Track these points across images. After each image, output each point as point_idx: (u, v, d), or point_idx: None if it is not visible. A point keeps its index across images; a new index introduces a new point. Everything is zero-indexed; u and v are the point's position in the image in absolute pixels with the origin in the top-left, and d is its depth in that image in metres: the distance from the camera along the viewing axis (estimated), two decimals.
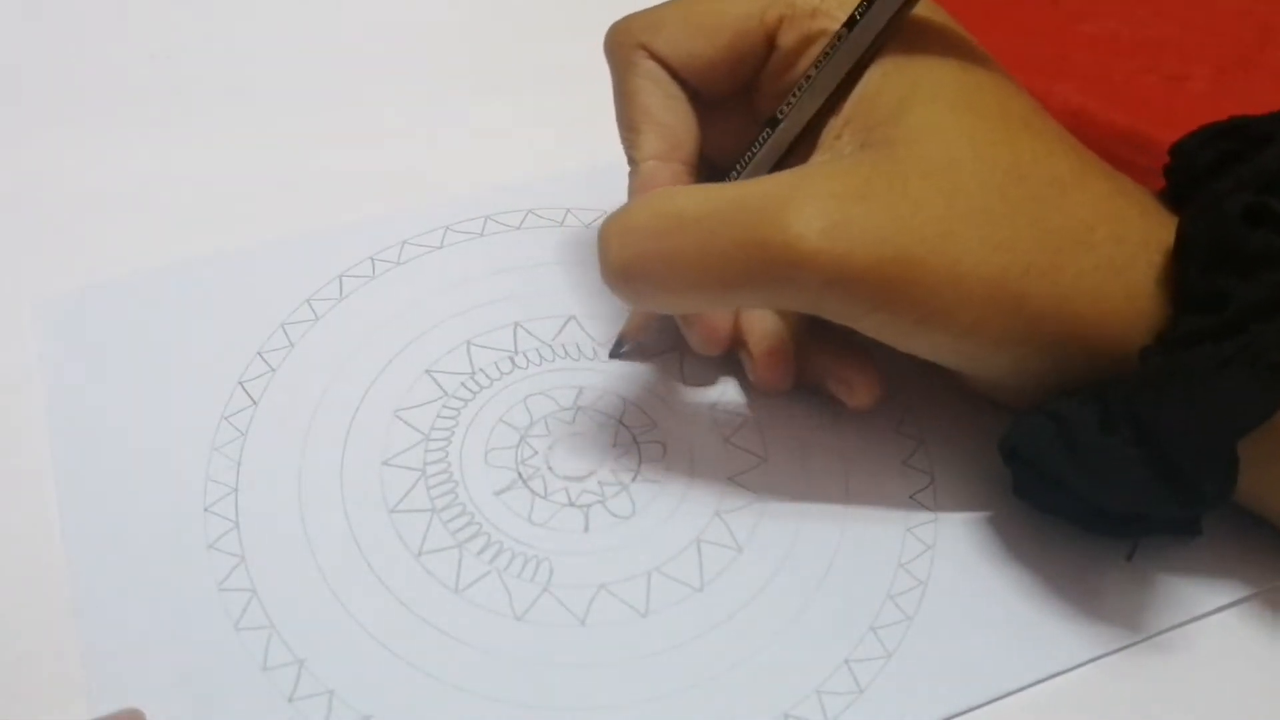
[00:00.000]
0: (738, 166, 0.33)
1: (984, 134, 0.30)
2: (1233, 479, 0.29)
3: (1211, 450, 0.28)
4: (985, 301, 0.29)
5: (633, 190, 0.34)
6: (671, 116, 0.33)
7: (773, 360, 0.34)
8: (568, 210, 0.41)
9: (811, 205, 0.28)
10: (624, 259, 0.30)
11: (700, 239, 0.29)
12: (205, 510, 0.32)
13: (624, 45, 0.34)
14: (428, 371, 0.36)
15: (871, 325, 0.30)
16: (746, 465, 0.34)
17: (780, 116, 0.32)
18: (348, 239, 0.39)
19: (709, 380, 0.36)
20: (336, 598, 0.31)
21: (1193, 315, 0.28)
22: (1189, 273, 0.29)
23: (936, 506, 0.33)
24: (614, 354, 0.36)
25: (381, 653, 0.30)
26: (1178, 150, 0.32)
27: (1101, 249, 0.29)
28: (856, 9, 0.31)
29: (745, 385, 0.36)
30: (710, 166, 0.34)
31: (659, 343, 0.36)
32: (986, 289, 0.29)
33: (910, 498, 0.33)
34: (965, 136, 0.30)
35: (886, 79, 0.31)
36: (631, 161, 0.34)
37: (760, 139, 0.33)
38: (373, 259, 0.39)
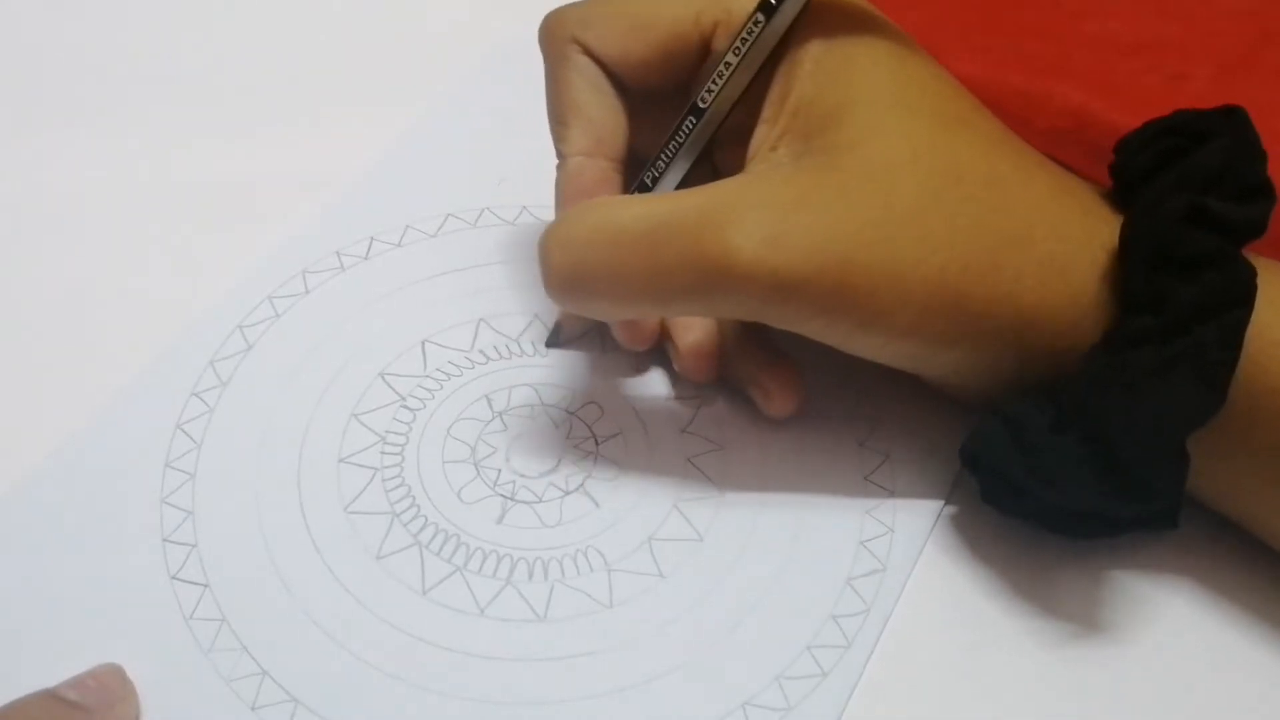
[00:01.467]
0: (663, 157, 0.33)
1: (921, 135, 0.30)
2: (1182, 477, 0.29)
3: (1159, 449, 0.28)
4: (924, 301, 0.29)
5: (559, 185, 0.34)
6: (600, 112, 0.34)
7: (697, 357, 0.34)
8: (523, 208, 0.41)
9: (750, 217, 0.29)
10: (566, 271, 0.30)
11: (641, 252, 0.29)
12: (163, 502, 0.33)
13: (557, 38, 0.34)
14: (381, 375, 0.36)
15: (813, 330, 0.30)
16: (703, 449, 0.34)
17: (703, 106, 0.32)
18: (311, 236, 0.39)
19: (663, 370, 0.36)
20: (290, 594, 0.31)
21: (1137, 316, 0.29)
22: (1133, 274, 0.29)
23: (894, 486, 0.33)
24: (550, 344, 0.37)
25: (341, 653, 0.30)
26: (1122, 147, 0.32)
27: (1042, 247, 0.30)
28: None
29: None
30: (639, 161, 0.34)
31: (593, 331, 0.37)
32: (925, 289, 0.29)
33: (866, 479, 0.34)
34: (902, 139, 0.30)
35: (821, 85, 0.31)
36: (559, 155, 0.34)
37: (684, 128, 0.32)
38: (339, 253, 0.39)
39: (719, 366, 0.35)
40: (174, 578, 0.31)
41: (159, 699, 0.29)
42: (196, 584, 0.31)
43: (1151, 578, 0.32)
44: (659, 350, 0.36)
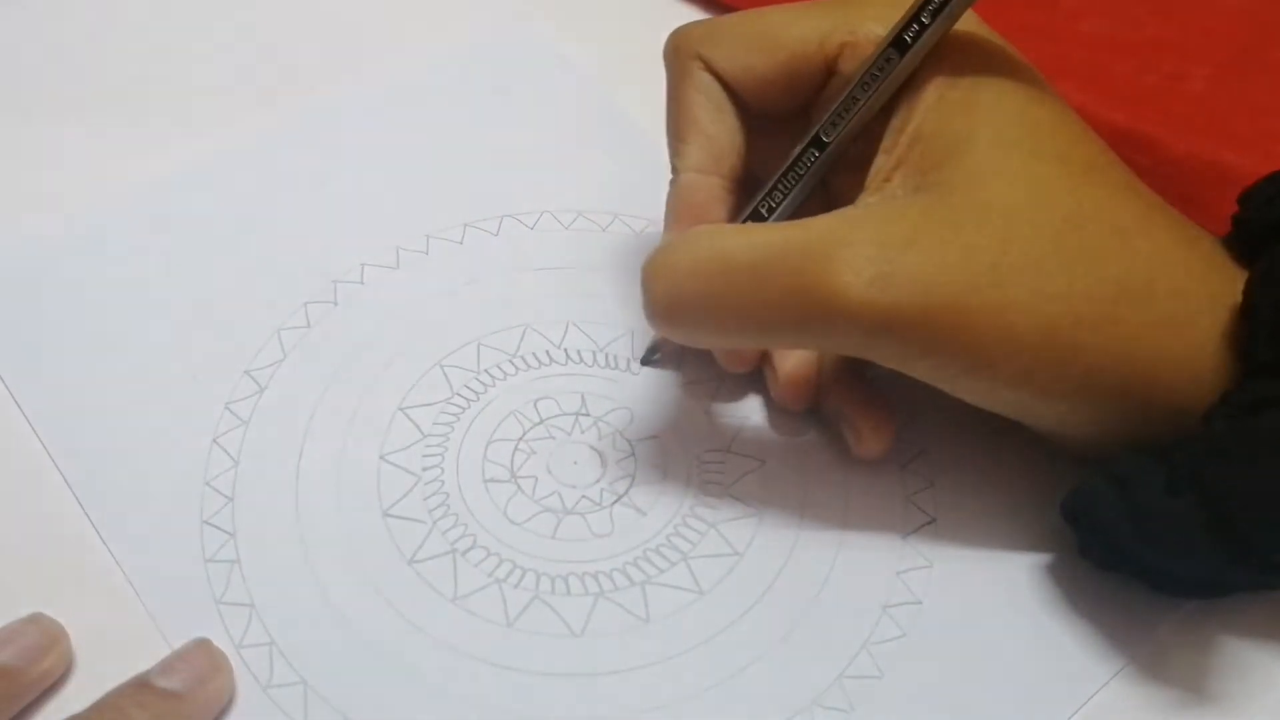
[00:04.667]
0: (779, 187, 0.32)
1: (1044, 180, 0.29)
2: None
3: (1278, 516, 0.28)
4: (1035, 352, 0.28)
5: (670, 200, 0.34)
6: (718, 129, 0.33)
7: (794, 385, 0.34)
8: (615, 215, 0.40)
9: (859, 253, 0.28)
10: (668, 300, 0.30)
11: (746, 284, 0.29)
12: (206, 484, 0.33)
13: (681, 53, 0.34)
14: (440, 366, 0.36)
15: (920, 370, 0.29)
16: (747, 469, 0.34)
17: (826, 139, 0.32)
18: (374, 228, 0.39)
19: (710, 386, 0.36)
20: (319, 584, 0.31)
21: (1260, 380, 0.28)
22: (1256, 336, 0.28)
23: (936, 512, 0.33)
24: (645, 361, 0.36)
25: (367, 654, 0.30)
26: (1246, 199, 0.31)
27: (1162, 303, 0.29)
28: (904, 31, 0.30)
29: (744, 391, 0.36)
30: (755, 182, 0.34)
31: (688, 352, 0.36)
32: (1036, 339, 0.28)
33: (908, 499, 0.33)
34: (1024, 182, 0.29)
35: (944, 118, 0.30)
36: (674, 170, 0.34)
37: (806, 160, 0.32)
38: (398, 248, 0.39)
39: (815, 396, 0.34)
40: (209, 560, 0.31)
41: None
42: (227, 561, 0.31)
43: (1257, 641, 0.31)
44: (705, 363, 0.36)
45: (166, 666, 0.29)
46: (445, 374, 0.36)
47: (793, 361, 0.34)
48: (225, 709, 0.29)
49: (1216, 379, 0.29)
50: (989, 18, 0.43)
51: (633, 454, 0.34)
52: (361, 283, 0.38)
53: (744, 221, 0.33)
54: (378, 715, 0.29)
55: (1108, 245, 0.29)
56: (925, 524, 0.33)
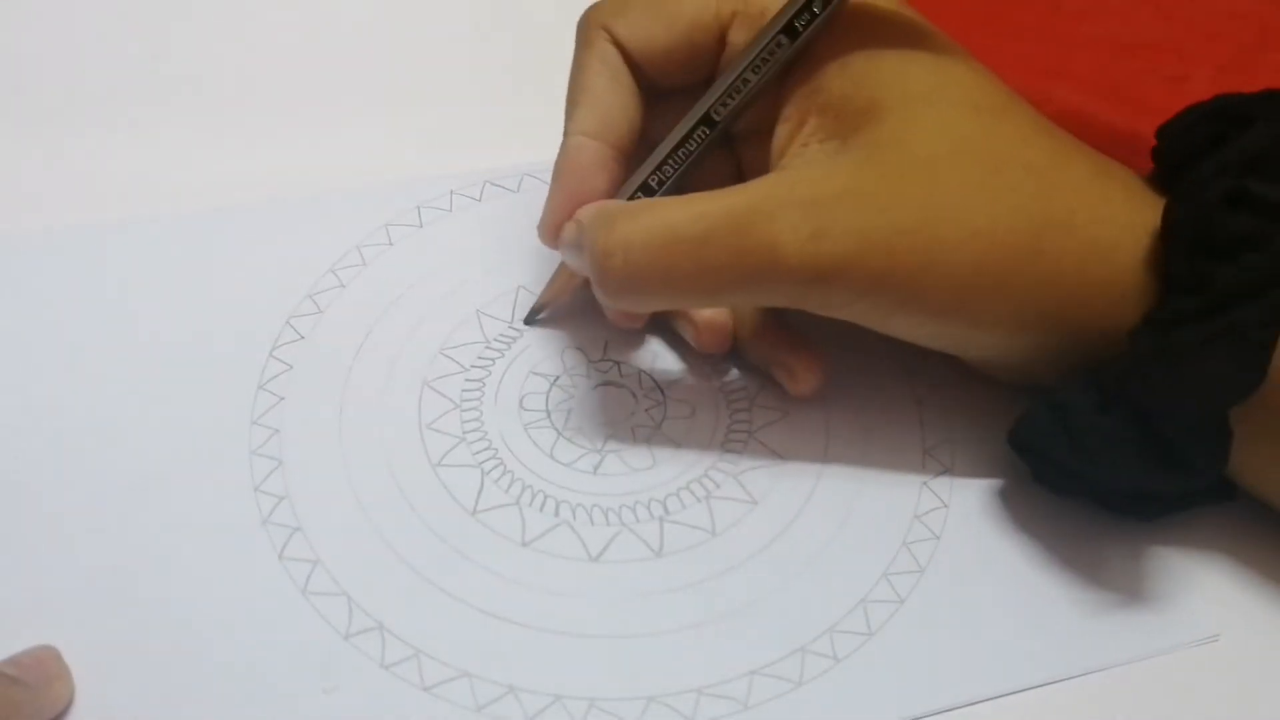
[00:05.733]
0: (670, 162, 0.34)
1: (959, 127, 0.31)
2: (1225, 451, 0.30)
3: (1201, 425, 0.29)
4: (966, 283, 0.30)
5: (558, 160, 0.35)
6: (612, 98, 0.34)
7: (714, 331, 0.35)
8: None
9: (795, 213, 0.30)
10: (625, 276, 0.31)
11: (695, 254, 0.30)
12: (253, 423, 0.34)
13: (589, 24, 0.35)
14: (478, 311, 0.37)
15: (855, 313, 0.31)
16: (771, 419, 0.35)
17: (716, 118, 0.33)
18: (396, 191, 0.41)
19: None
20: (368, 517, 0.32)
21: (1179, 297, 0.29)
22: (1174, 256, 0.30)
23: (952, 464, 0.34)
24: (529, 320, 0.37)
25: (412, 578, 0.31)
26: (1164, 132, 0.33)
27: (1083, 231, 0.30)
28: (795, 19, 0.32)
29: None
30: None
31: (574, 305, 0.37)
32: (966, 273, 0.30)
33: (926, 453, 0.35)
34: (941, 132, 0.31)
35: (853, 83, 0.32)
36: (565, 134, 0.35)
37: (696, 136, 0.34)
38: (419, 208, 0.40)
39: (730, 342, 0.36)
40: (266, 522, 0.32)
41: (257, 635, 0.30)
42: (287, 526, 0.32)
43: (1194, 554, 0.33)
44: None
45: (15, 660, 0.29)
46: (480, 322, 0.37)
47: (708, 311, 0.35)
48: (60, 717, 0.29)
49: (1142, 301, 0.30)
50: (990, 17, 0.43)
51: (664, 399, 0.36)
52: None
53: (633, 194, 0.34)
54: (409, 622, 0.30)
55: (1026, 181, 0.31)
56: (941, 473, 0.34)
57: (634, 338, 0.37)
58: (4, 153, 0.42)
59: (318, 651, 0.30)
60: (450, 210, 0.40)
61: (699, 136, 0.34)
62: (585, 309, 0.37)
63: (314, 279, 0.38)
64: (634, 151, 0.35)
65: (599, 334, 0.37)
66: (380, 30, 0.48)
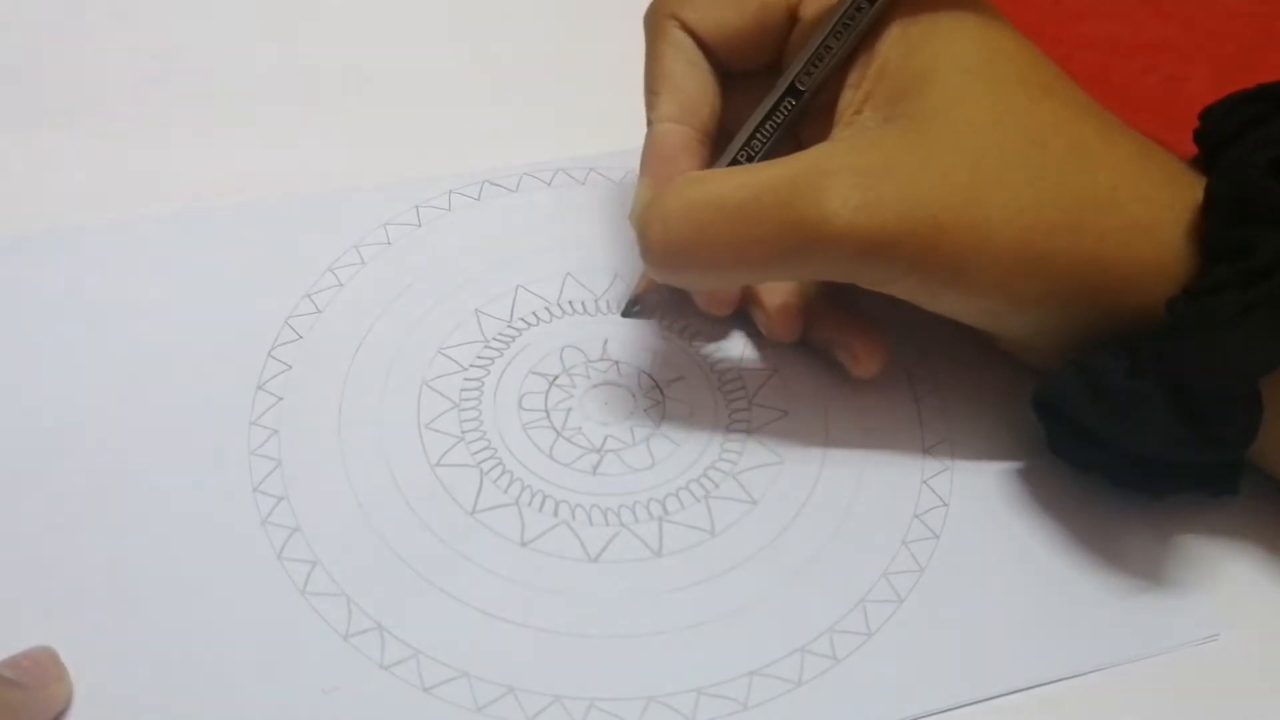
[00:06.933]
0: (759, 135, 0.34)
1: (1006, 102, 0.31)
2: (1254, 426, 0.29)
3: (1233, 392, 0.29)
4: (1010, 261, 0.30)
5: (645, 147, 0.35)
6: (690, 83, 0.35)
7: (785, 316, 0.35)
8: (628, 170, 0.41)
9: (842, 183, 0.30)
10: (665, 246, 0.31)
11: (739, 224, 0.30)
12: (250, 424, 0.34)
13: (658, 14, 0.35)
14: (476, 312, 0.37)
15: (902, 289, 0.31)
16: (770, 419, 0.35)
17: (802, 88, 0.33)
18: (395, 191, 0.41)
19: (731, 337, 0.37)
20: (367, 518, 0.32)
21: (1220, 266, 0.29)
22: (1215, 227, 0.30)
23: (952, 458, 0.34)
24: (626, 313, 0.37)
25: (412, 578, 0.31)
26: (1206, 115, 0.33)
27: (1126, 209, 0.30)
28: None
29: (766, 342, 0.37)
30: (731, 137, 0.35)
31: (671, 301, 0.38)
32: (1011, 249, 0.30)
33: (925, 451, 0.35)
34: (988, 105, 0.31)
35: (907, 52, 0.32)
36: (648, 122, 0.35)
37: (783, 108, 0.33)
38: (418, 207, 0.40)
39: (803, 327, 0.36)
40: (265, 522, 0.32)
41: (256, 636, 0.30)
42: (286, 527, 0.32)
43: (1194, 554, 0.33)
44: (727, 320, 0.37)
45: (12, 662, 0.29)
46: (480, 319, 0.37)
47: (781, 295, 0.35)
48: (58, 718, 0.29)
49: (1180, 280, 0.30)
50: None
51: (663, 397, 0.36)
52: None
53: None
54: (409, 622, 0.30)
55: (1070, 158, 0.31)
56: (940, 472, 0.34)
57: (637, 337, 0.37)
58: (4, 153, 0.42)
59: (317, 652, 0.30)
60: (449, 210, 0.40)
61: (785, 108, 0.34)
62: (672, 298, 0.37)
63: (313, 279, 0.38)
64: (716, 135, 0.35)
65: (598, 333, 0.37)
66: (380, 30, 0.48)
